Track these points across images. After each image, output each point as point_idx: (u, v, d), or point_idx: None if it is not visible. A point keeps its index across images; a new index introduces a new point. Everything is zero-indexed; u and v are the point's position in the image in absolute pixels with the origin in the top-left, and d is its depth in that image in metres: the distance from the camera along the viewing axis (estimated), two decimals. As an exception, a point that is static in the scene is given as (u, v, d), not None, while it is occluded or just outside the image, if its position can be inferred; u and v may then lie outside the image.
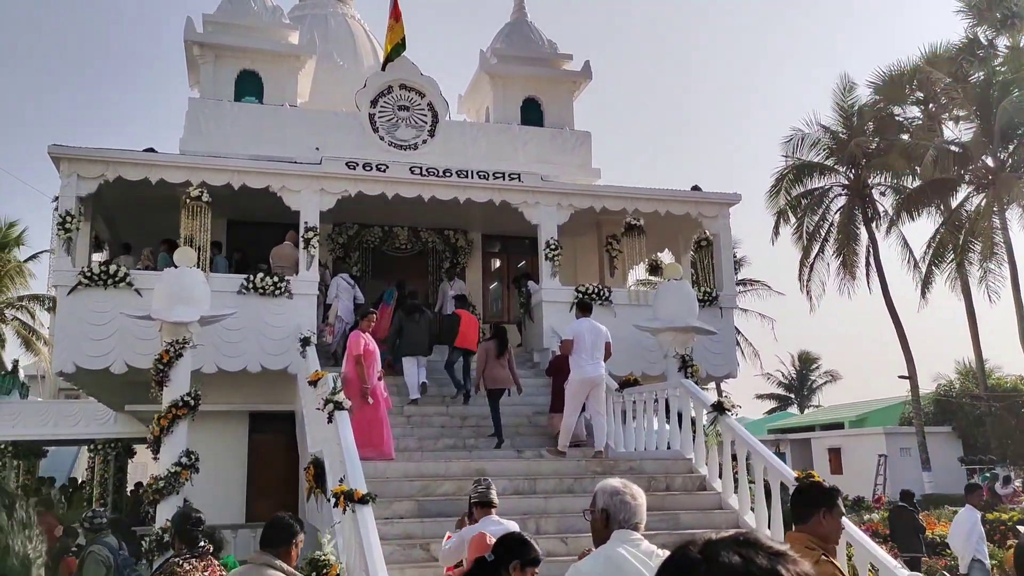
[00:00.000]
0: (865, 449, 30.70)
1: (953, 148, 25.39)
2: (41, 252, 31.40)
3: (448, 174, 13.58)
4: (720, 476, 9.43)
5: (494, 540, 4.23)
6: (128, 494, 19.13)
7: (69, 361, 11.69)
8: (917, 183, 25.97)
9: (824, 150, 27.37)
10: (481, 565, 3.86)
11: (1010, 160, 24.80)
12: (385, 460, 9.47)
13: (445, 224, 16.20)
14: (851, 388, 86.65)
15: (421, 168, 13.59)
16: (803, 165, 27.43)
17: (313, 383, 9.77)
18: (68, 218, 11.97)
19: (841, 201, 27.43)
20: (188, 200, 12.31)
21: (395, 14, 15.69)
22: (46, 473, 23.21)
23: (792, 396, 52.46)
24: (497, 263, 17.45)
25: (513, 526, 5.69)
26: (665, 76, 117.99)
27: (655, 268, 16.79)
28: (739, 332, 29.09)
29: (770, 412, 51.21)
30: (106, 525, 7.03)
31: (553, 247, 13.79)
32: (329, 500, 7.05)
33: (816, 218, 27.45)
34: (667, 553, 3.16)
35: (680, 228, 15.60)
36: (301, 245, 12.84)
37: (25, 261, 32.09)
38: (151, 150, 12.78)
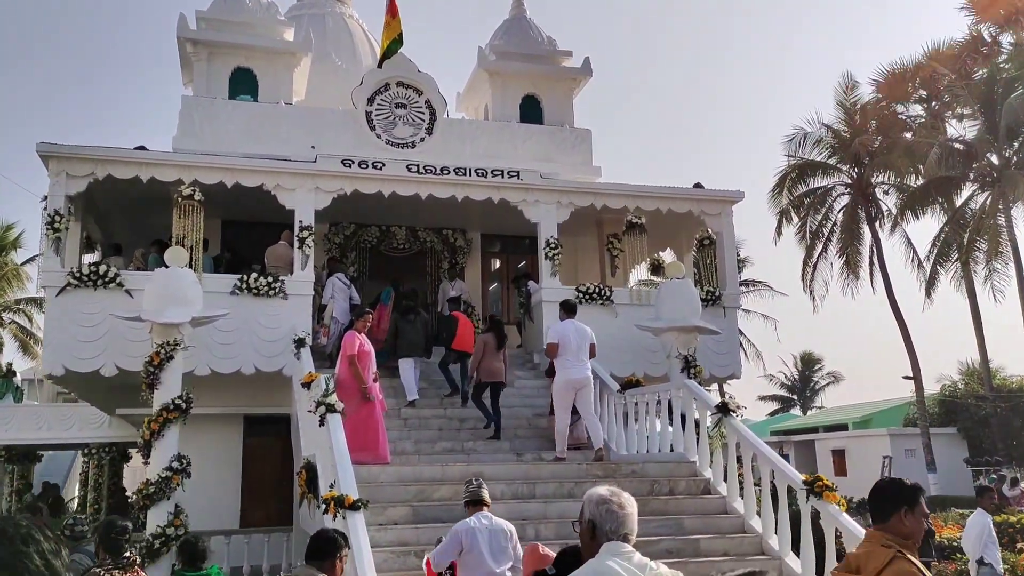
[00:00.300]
0: (869, 451, 30.40)
1: (957, 146, 25.13)
2: (38, 255, 31.16)
3: (446, 172, 13.33)
4: (725, 479, 9.17)
5: (547, 552, 4.12)
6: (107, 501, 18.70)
7: (58, 364, 11.43)
8: (921, 181, 25.72)
9: (827, 149, 27.13)
10: None
11: (1015, 158, 24.51)
12: (380, 464, 9.22)
13: (444, 224, 15.95)
14: (854, 389, 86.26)
15: (418, 166, 13.33)
16: (806, 164, 27.19)
17: (306, 385, 9.51)
18: (57, 218, 11.71)
19: (844, 200, 27.19)
20: (180, 199, 12.06)
21: (392, 10, 15.47)
22: (43, 478, 22.98)
23: (795, 398, 52.20)
24: (497, 263, 17.20)
25: (506, 524, 5.89)
26: (666, 74, 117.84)
27: (657, 268, 16.52)
28: (742, 333, 28.82)
29: (773, 414, 50.95)
30: (87, 533, 6.77)
31: (553, 246, 13.53)
32: (319, 506, 6.79)
33: (819, 217, 27.21)
34: (661, 566, 2.93)
35: (682, 226, 15.34)
36: (296, 244, 12.59)
37: (23, 264, 31.88)
38: (142, 148, 12.53)
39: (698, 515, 8.74)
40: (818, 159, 27.25)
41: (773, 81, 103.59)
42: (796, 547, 7.82)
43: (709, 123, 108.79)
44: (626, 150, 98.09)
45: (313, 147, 13.92)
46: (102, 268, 11.87)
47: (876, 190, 26.88)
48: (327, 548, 4.34)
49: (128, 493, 12.53)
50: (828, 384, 51.49)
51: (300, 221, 12.57)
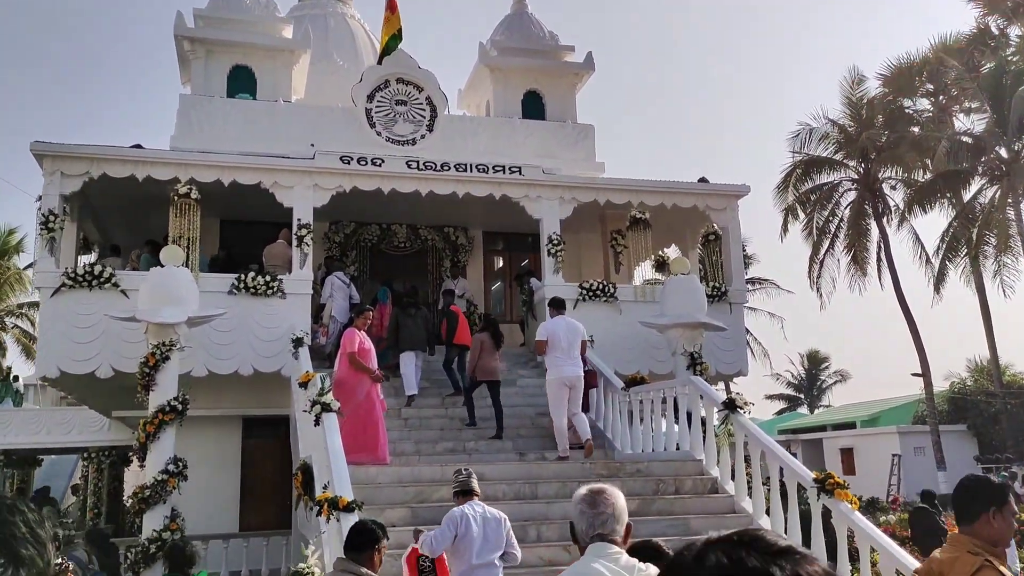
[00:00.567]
0: (878, 449, 30.13)
1: (965, 139, 24.84)
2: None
3: (446, 168, 13.12)
4: (732, 478, 8.93)
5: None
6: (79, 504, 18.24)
7: (53, 365, 11.25)
8: (928, 176, 25.44)
9: (833, 144, 26.83)
10: None
11: (1024, 151, 24.22)
12: (379, 464, 9.02)
13: (445, 221, 15.74)
14: (862, 387, 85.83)
15: (418, 162, 13.13)
16: (812, 160, 26.90)
17: (303, 384, 9.31)
18: (51, 217, 11.55)
19: (851, 196, 26.89)
20: (176, 198, 11.88)
21: (391, 5, 15.28)
22: (44, 483, 22.84)
23: (801, 397, 51.89)
24: (499, 261, 16.98)
25: (498, 512, 5.88)
26: (670, 69, 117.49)
27: (661, 266, 16.28)
28: (748, 332, 28.53)
29: (779, 413, 50.66)
30: (73, 538, 6.58)
31: (556, 242, 13.32)
32: (312, 508, 6.58)
33: (826, 214, 26.92)
34: (651, 567, 2.75)
35: (687, 222, 15.11)
36: (294, 243, 12.39)
37: (25, 268, 31.75)
38: (138, 146, 12.36)
39: (705, 515, 8.51)
40: (824, 155, 26.96)
41: (777, 77, 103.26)
42: (806, 547, 7.59)
43: (712, 121, 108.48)
44: (629, 146, 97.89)
45: (312, 145, 13.73)
46: (97, 268, 11.70)
47: (883, 185, 26.58)
48: (365, 540, 4.33)
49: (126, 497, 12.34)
50: (835, 383, 51.21)
51: (298, 219, 12.38)
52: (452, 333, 11.77)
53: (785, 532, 7.78)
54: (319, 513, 6.25)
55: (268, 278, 12.06)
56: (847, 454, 31.95)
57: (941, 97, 27.04)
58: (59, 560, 8.34)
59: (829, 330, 76.80)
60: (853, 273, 26.74)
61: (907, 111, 26.90)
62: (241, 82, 15.39)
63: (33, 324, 32.23)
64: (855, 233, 26.36)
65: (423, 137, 14.88)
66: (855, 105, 26.71)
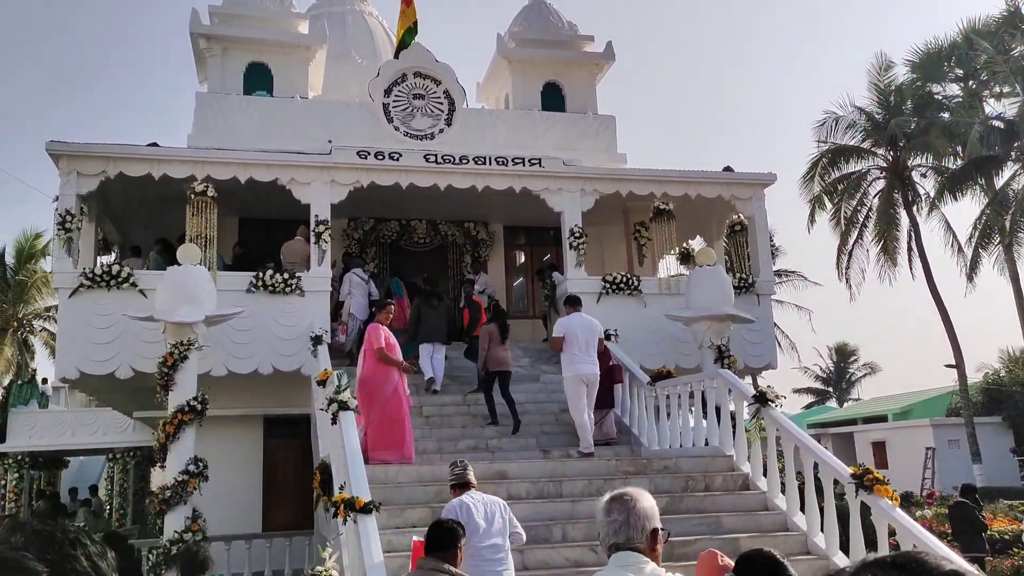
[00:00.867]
0: (911, 442, 29.51)
1: (997, 123, 24.20)
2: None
3: (465, 161, 12.90)
4: (765, 474, 8.63)
5: (727, 561, 3.89)
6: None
7: (72, 366, 11.19)
8: (959, 163, 24.82)
9: (860, 132, 26.23)
10: None
11: (1060, 135, 23.55)
12: (405, 463, 8.83)
13: (465, 216, 15.52)
14: (891, 380, 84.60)
15: (437, 155, 12.92)
16: (838, 149, 26.33)
17: (322, 383, 9.13)
18: (68, 217, 11.48)
19: (879, 184, 26.29)
20: (193, 196, 11.77)
21: (407, -2, 15.08)
22: (73, 484, 22.93)
23: (830, 390, 51.14)
24: (521, 256, 16.73)
25: (498, 499, 5.91)
26: (691, 58, 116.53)
27: (686, 257, 15.96)
28: (775, 325, 28.09)
29: (808, 407, 49.97)
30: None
31: (577, 235, 13.05)
32: (329, 509, 6.39)
33: (854, 203, 26.34)
34: (678, 574, 2.53)
35: (712, 212, 14.78)
36: (312, 240, 12.23)
37: (52, 272, 32.03)
38: (155, 145, 12.26)
39: (737, 512, 8.21)
40: (851, 143, 26.39)
41: (799, 65, 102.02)
42: (844, 546, 7.28)
43: (734, 112, 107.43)
44: (652, 137, 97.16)
45: (330, 141, 13.57)
46: (115, 268, 11.62)
47: (913, 173, 25.98)
48: (449, 539, 4.47)
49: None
50: (864, 375, 50.35)
51: (316, 215, 12.22)
52: (475, 324, 11.58)
53: (821, 530, 7.47)
54: (335, 515, 6.05)
55: (286, 276, 11.92)
56: (879, 448, 31.35)
57: (971, 82, 26.39)
58: None
59: (858, 322, 75.75)
60: (883, 263, 26.16)
61: (936, 96, 26.28)
62: (257, 79, 15.27)
63: (60, 327, 32.54)
64: (884, 222, 25.76)
65: (441, 131, 14.68)
66: (883, 91, 26.10)
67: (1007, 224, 23.84)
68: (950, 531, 12.50)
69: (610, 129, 16.13)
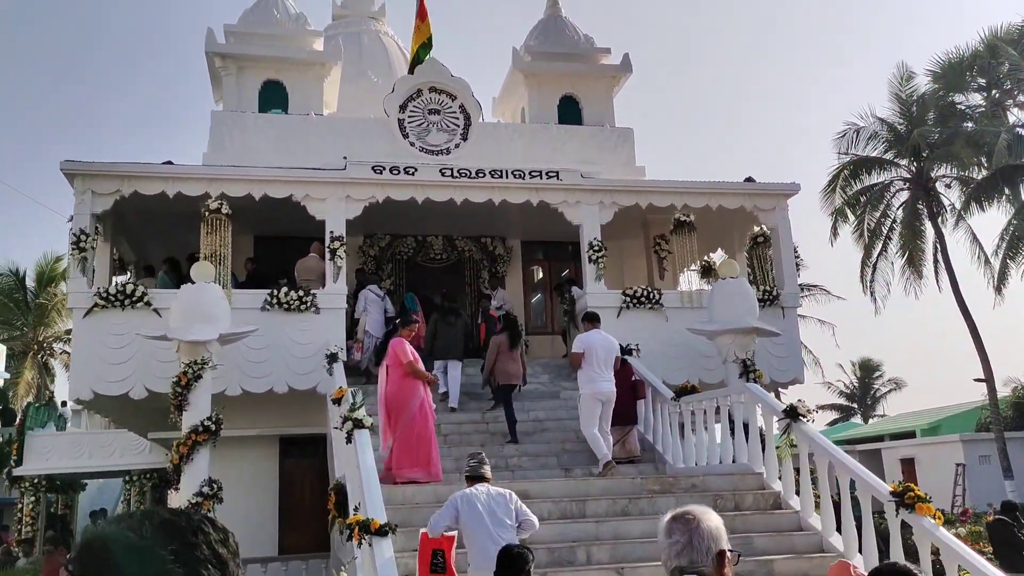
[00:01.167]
0: (941, 458, 28.83)
1: (1022, 132, 23.77)
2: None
3: (481, 175, 12.72)
4: (797, 492, 8.28)
5: (861, 573, 3.75)
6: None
7: (86, 387, 11.05)
8: (984, 173, 24.36)
9: (883, 143, 25.86)
10: None
11: (1087, 143, 23.07)
12: (434, 482, 8.56)
13: (482, 231, 15.33)
14: (917, 395, 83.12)
15: (452, 169, 12.74)
16: (860, 160, 25.95)
17: (337, 401, 8.91)
18: (83, 237, 11.38)
19: (903, 196, 25.85)
20: (207, 213, 11.65)
21: (421, 13, 15.03)
22: (92, 507, 22.80)
23: (855, 406, 50.31)
24: (539, 272, 16.50)
25: (504, 490, 5.95)
26: (709, 70, 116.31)
27: (708, 270, 15.65)
28: (799, 339, 27.62)
29: (832, 423, 49.12)
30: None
31: (597, 248, 12.80)
32: (342, 532, 6.14)
33: (877, 215, 25.90)
34: None
35: (734, 223, 14.49)
36: (328, 256, 12.06)
37: (67, 291, 32.17)
38: (169, 163, 12.17)
39: (769, 532, 7.87)
40: (873, 154, 26.01)
41: (821, 76, 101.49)
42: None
43: (753, 124, 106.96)
44: (670, 150, 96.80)
45: (345, 158, 13.44)
46: (129, 287, 11.49)
47: (937, 184, 25.54)
48: (517, 564, 4.57)
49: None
50: (890, 391, 49.53)
51: (331, 231, 12.06)
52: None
53: (860, 552, 7.12)
54: (350, 537, 5.80)
55: (301, 293, 11.74)
56: (908, 464, 30.67)
57: (994, 91, 25.98)
58: None
59: (881, 337, 74.70)
60: (908, 276, 25.68)
61: (959, 106, 25.88)
62: (273, 97, 15.21)
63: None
64: (909, 234, 25.30)
65: (457, 146, 14.51)
66: (905, 102, 25.74)
67: (1035, 234, 23.34)
68: (990, 550, 12.04)
69: (628, 142, 15.91)
